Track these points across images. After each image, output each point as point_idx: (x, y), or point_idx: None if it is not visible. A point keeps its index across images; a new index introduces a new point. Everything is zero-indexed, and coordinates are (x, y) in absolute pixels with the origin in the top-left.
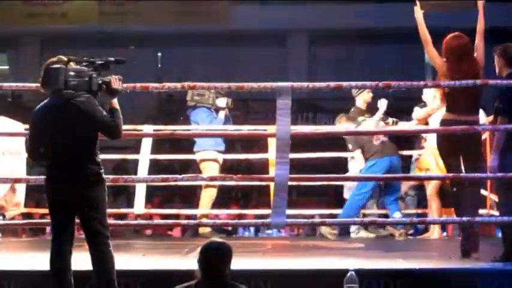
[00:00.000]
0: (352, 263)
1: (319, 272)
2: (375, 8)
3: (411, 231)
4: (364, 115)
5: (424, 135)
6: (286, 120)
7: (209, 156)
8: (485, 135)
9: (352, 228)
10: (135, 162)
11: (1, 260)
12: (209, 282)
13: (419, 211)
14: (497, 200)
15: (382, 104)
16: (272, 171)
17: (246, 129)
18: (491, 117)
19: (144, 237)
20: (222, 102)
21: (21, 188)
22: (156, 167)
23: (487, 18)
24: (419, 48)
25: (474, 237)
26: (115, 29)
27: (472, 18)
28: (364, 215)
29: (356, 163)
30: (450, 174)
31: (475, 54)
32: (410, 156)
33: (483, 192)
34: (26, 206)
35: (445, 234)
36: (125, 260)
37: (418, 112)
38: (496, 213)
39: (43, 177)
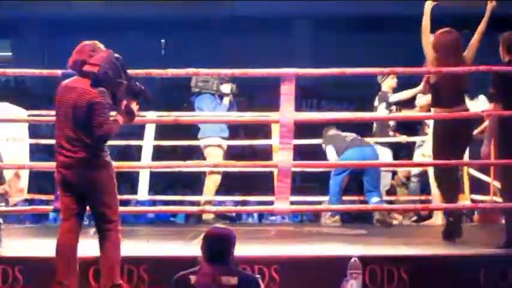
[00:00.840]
0: (355, 249)
1: (323, 258)
2: None
3: (415, 218)
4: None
5: (427, 121)
6: (290, 106)
7: (213, 143)
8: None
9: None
10: (139, 149)
11: (5, 246)
12: (213, 268)
13: (423, 197)
14: (499, 186)
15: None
16: (276, 158)
17: (249, 115)
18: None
19: (148, 223)
20: (226, 88)
21: (25, 174)
22: (159, 153)
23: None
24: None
25: (458, 222)
26: (119, 15)
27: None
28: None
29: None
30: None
31: (465, 52)
32: (414, 143)
33: (486, 178)
34: (29, 192)
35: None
36: (129, 246)
37: (420, 99)
38: (499, 199)
39: (46, 163)
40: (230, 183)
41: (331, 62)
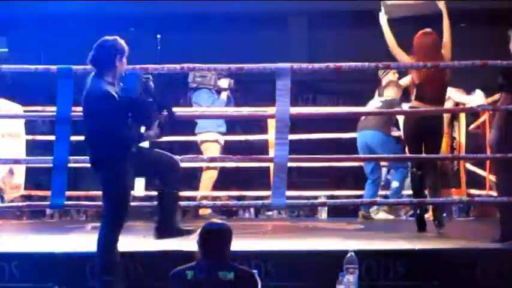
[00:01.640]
0: (352, 244)
1: (319, 252)
2: None
3: (411, 212)
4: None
5: None
6: (285, 101)
7: (210, 138)
8: (485, 117)
9: (372, 208)
10: None
11: (1, 242)
12: (209, 263)
13: None
14: (495, 180)
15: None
16: (272, 153)
17: (246, 111)
18: (490, 99)
19: (145, 218)
20: (224, 83)
21: (20, 171)
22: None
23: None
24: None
25: (423, 216)
26: (114, 10)
27: None
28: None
29: None
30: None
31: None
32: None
33: (481, 172)
34: (25, 188)
35: (444, 214)
36: (125, 242)
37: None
38: (495, 194)
39: (42, 158)
40: (227, 179)
41: (327, 57)
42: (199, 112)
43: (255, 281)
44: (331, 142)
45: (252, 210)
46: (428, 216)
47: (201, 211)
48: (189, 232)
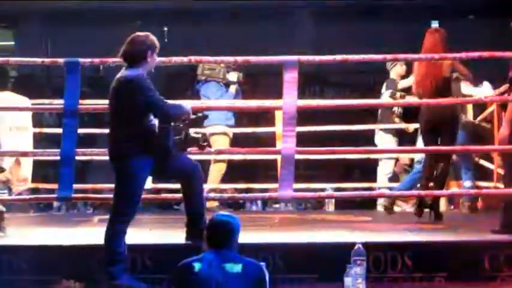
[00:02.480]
0: (359, 236)
1: (327, 245)
2: None
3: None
4: (397, 88)
5: None
6: (293, 93)
7: (219, 131)
8: (493, 108)
9: (379, 200)
10: None
11: (9, 235)
12: (217, 256)
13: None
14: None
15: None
16: (279, 145)
17: (254, 103)
18: (498, 90)
19: (151, 211)
20: (233, 76)
21: (28, 163)
22: None
23: None
24: (424, 23)
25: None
26: (119, 4)
27: None
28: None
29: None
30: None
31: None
32: (417, 129)
33: (489, 165)
34: (33, 181)
35: (452, 207)
36: (132, 235)
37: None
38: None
39: (49, 150)
40: (234, 171)
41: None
42: (207, 105)
43: (263, 273)
44: (338, 134)
45: (259, 202)
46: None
47: (209, 204)
48: None
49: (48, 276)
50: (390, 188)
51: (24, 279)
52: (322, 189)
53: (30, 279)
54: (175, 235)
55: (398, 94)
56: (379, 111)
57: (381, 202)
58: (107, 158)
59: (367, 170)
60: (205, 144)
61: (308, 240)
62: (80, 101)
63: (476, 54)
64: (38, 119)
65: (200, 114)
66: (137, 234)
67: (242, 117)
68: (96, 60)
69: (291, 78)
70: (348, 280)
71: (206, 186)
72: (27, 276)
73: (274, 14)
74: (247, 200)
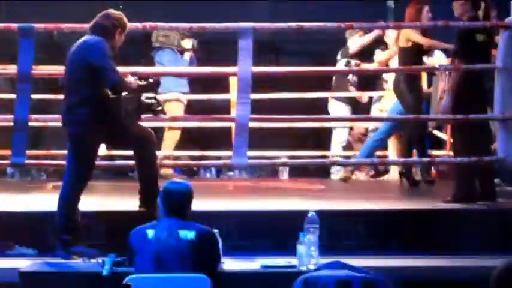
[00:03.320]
0: (313, 204)
1: (280, 212)
2: None
3: (372, 173)
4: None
5: (385, 77)
6: (247, 61)
7: (173, 97)
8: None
9: (333, 168)
10: None
11: None
12: (170, 223)
13: (380, 153)
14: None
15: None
16: (234, 112)
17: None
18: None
19: (106, 178)
20: (187, 43)
21: None
22: None
23: None
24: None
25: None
26: None
27: None
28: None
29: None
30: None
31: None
32: (371, 98)
33: (441, 135)
34: None
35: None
36: (87, 201)
37: (378, 55)
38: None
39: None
40: (189, 139)
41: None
42: (161, 71)
43: (215, 240)
44: (293, 102)
45: (213, 170)
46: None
47: (163, 171)
48: None
49: (1, 241)
50: (345, 157)
51: None
52: (277, 157)
53: None
54: (129, 202)
55: (353, 62)
56: (333, 79)
57: (335, 170)
58: (60, 124)
59: (321, 138)
60: (159, 109)
61: (261, 208)
62: (34, 67)
63: (432, 23)
64: None
65: (151, 80)
66: (91, 201)
67: (197, 84)
68: (50, 25)
69: (245, 45)
70: (300, 248)
71: (160, 154)
72: None
73: None
74: (202, 167)
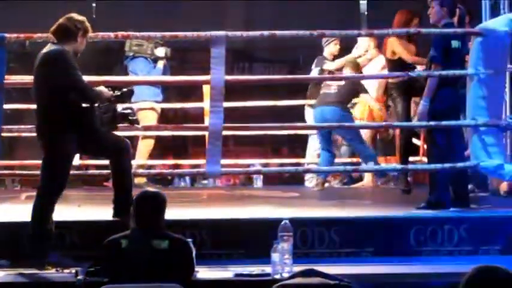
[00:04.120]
0: (286, 212)
1: (254, 220)
2: None
3: (345, 180)
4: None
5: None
6: (220, 69)
7: (147, 106)
8: None
9: (307, 176)
10: None
11: None
12: (143, 232)
13: (354, 160)
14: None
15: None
16: (207, 121)
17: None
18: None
19: (80, 188)
20: (161, 52)
21: None
22: None
23: None
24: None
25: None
26: None
27: None
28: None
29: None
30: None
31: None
32: None
33: (415, 141)
34: None
35: (379, 183)
36: (60, 211)
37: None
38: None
39: None
40: (163, 148)
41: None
42: (135, 80)
43: (189, 249)
44: (266, 110)
45: (187, 178)
46: (361, 184)
47: (137, 180)
48: None
49: None
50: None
51: None
52: (250, 165)
53: None
54: (103, 212)
55: (326, 72)
56: (309, 87)
57: (308, 177)
58: (34, 134)
59: (295, 146)
60: (135, 118)
61: (235, 216)
62: (7, 77)
63: (404, 30)
64: None
65: (125, 90)
66: (65, 211)
67: (171, 93)
68: (22, 35)
69: (218, 53)
70: (275, 256)
71: (134, 162)
72: None
73: None
74: (176, 176)
